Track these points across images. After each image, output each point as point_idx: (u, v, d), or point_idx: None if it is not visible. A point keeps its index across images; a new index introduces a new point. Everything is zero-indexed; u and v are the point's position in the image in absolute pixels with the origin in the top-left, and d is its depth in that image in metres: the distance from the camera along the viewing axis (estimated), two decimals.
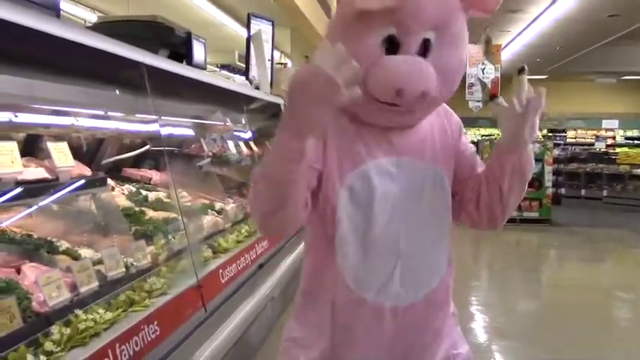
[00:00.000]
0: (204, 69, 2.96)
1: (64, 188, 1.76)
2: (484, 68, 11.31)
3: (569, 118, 20.38)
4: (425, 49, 1.24)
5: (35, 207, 1.90)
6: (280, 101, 4.45)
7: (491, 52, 11.21)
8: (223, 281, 2.23)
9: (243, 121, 3.85)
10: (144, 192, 2.84)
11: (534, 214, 9.84)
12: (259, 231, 1.09)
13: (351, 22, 1.23)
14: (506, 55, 13.43)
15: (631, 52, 14.69)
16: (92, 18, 7.31)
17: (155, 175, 3.29)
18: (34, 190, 1.62)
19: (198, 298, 1.96)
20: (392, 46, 1.22)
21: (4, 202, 1.63)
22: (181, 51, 2.76)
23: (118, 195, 2.68)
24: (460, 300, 5.17)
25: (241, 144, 3.80)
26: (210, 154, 3.35)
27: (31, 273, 1.52)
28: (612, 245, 8.71)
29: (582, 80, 20.02)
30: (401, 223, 1.30)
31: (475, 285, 6.28)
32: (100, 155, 2.92)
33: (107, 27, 2.41)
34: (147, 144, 3.19)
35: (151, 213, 2.48)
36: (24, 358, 1.19)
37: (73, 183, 1.78)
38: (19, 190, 1.58)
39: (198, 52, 2.82)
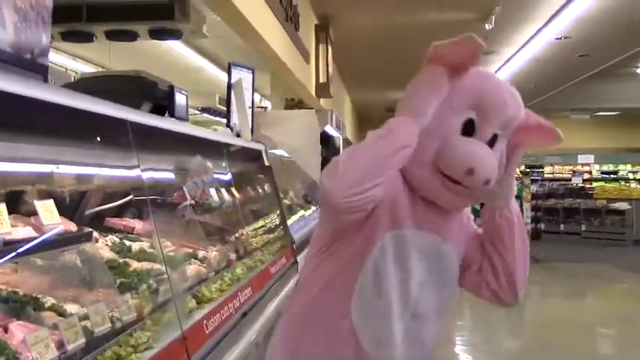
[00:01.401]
0: (187, 120, 3.03)
1: (50, 245, 1.80)
2: None
3: (545, 154, 20.74)
4: (492, 142, 1.40)
5: (19, 264, 1.92)
6: (261, 147, 4.52)
7: None
8: (208, 332, 2.26)
9: (225, 167, 3.90)
10: (127, 242, 2.86)
11: None
12: (339, 206, 1.16)
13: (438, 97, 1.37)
14: None
15: (604, 89, 15.09)
16: (73, 65, 7.37)
17: (138, 225, 3.30)
18: (19, 246, 1.65)
19: (184, 350, 1.98)
20: (468, 129, 1.38)
21: None
22: (164, 103, 2.83)
23: (102, 247, 2.69)
24: (445, 340, 5.24)
25: (223, 190, 3.85)
26: (193, 201, 3.39)
27: (19, 332, 1.53)
28: (593, 280, 8.83)
29: (557, 117, 20.40)
30: (420, 295, 1.41)
31: (459, 324, 6.32)
32: (83, 207, 2.95)
33: (91, 82, 2.48)
34: (130, 194, 3.22)
35: (134, 264, 2.50)
36: None
37: (59, 239, 1.81)
38: (5, 249, 1.61)
39: (180, 104, 2.89)
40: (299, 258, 4.41)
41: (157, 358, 1.79)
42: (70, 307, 1.88)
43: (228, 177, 3.91)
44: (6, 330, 1.57)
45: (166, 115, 2.87)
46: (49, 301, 1.89)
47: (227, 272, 3.02)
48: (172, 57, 8.33)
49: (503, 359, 5.14)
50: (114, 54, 7.32)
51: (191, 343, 2.05)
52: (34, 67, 1.63)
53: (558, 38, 9.37)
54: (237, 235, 3.67)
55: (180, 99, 2.87)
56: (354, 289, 1.39)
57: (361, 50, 10.62)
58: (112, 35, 3.59)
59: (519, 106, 1.47)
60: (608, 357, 5.32)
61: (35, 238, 1.69)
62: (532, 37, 9.38)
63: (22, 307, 1.73)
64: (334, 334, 1.42)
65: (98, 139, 2.30)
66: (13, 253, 1.63)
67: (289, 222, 4.78)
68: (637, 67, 12.44)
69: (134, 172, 2.65)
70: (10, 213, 1.70)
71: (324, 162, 9.84)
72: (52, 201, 1.84)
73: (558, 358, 5.02)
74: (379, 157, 1.28)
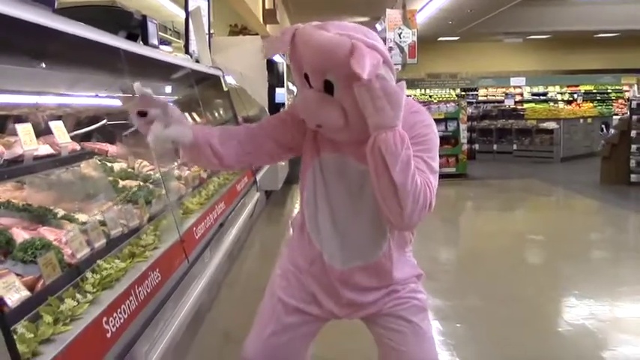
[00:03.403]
0: (158, 47, 3.21)
1: (65, 161, 2.03)
2: (401, 33, 11.80)
3: (480, 77, 21.34)
4: (330, 88, 1.51)
5: (32, 180, 2.15)
6: (219, 73, 4.71)
7: (407, 16, 11.69)
8: (197, 237, 2.56)
9: (189, 91, 4.09)
10: (108, 163, 3.08)
11: (452, 170, 10.54)
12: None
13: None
14: (421, 19, 13.97)
15: (536, 14, 15.59)
16: None
17: (111, 148, 3.51)
18: (42, 161, 1.88)
19: (182, 251, 2.29)
20: (308, 82, 1.55)
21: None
22: (137, 32, 3.00)
23: (85, 167, 2.92)
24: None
25: (186, 113, 4.06)
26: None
27: (49, 234, 1.79)
28: (523, 194, 9.49)
29: (492, 41, 21.01)
30: (341, 204, 1.72)
31: None
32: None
33: (70, 11, 2.61)
34: (103, 119, 3.40)
35: (121, 182, 2.75)
36: (73, 296, 1.50)
37: (72, 156, 2.05)
38: (29, 164, 1.84)
39: (152, 32, 3.07)
40: (258, 177, 4.72)
41: (164, 255, 2.09)
42: (80, 217, 2.14)
43: (191, 100, 4.12)
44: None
45: (139, 42, 3.05)
46: (60, 212, 2.14)
47: (201, 189, 3.30)
48: None
49: (440, 264, 5.64)
50: None
51: (187, 245, 2.35)
52: (47, 1, 1.81)
53: None
54: None
55: (151, 28, 3.04)
56: (303, 202, 1.73)
57: None
58: None
59: (331, 55, 1.46)
60: (536, 259, 5.90)
61: (55, 155, 1.92)
62: None
63: (44, 215, 1.97)
64: (301, 239, 1.79)
65: (86, 64, 2.49)
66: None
67: None
68: None
69: (108, 98, 2.87)
70: None
71: (270, 88, 10.00)
72: (61, 122, 2.05)
73: (491, 263, 5.54)
74: None
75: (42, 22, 1.70)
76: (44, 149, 1.92)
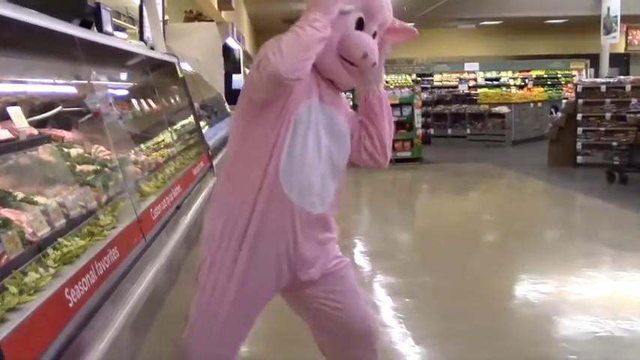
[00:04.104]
0: (112, 34, 3.27)
1: (22, 145, 2.11)
2: None
3: (435, 62, 21.67)
4: (373, 38, 1.93)
5: None
6: (174, 60, 4.77)
7: None
8: (154, 218, 2.66)
9: (143, 78, 4.15)
10: (65, 149, 3.14)
11: (407, 154, 10.79)
12: (287, 74, 1.70)
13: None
14: None
15: (487, 1, 15.92)
16: None
17: (67, 134, 3.56)
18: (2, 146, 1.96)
19: (139, 230, 2.39)
20: (358, 26, 1.89)
21: None
22: (91, 19, 3.06)
23: (43, 152, 2.98)
24: (344, 232, 5.89)
25: (142, 100, 4.12)
26: (119, 114, 3.66)
27: (10, 215, 1.88)
28: (476, 177, 9.80)
29: (446, 27, 21.34)
30: (326, 151, 1.89)
31: (357, 218, 7.02)
32: None
33: None
34: (58, 105, 3.44)
35: (78, 167, 2.82)
36: (36, 270, 1.60)
37: (28, 141, 2.12)
38: None
39: (106, 19, 3.13)
40: (214, 162, 4.82)
41: (122, 234, 2.19)
42: (39, 199, 2.22)
43: (146, 87, 4.17)
44: None
45: (93, 29, 3.11)
46: (20, 194, 2.21)
47: (158, 173, 3.39)
48: None
49: (398, 245, 5.84)
50: None
51: (144, 225, 2.46)
52: None
53: None
54: (159, 141, 4.00)
55: (105, 15, 3.11)
56: (283, 147, 1.83)
57: None
58: None
59: (391, 12, 1.99)
60: (488, 237, 6.16)
61: (14, 139, 2.00)
62: None
63: (4, 198, 2.04)
64: (257, 186, 1.85)
65: (40, 52, 2.55)
66: None
67: (203, 130, 5.12)
68: None
69: (63, 85, 2.93)
70: None
71: (227, 75, 10.02)
72: (19, 108, 2.12)
73: (444, 242, 5.77)
74: (310, 41, 1.74)
75: None
76: (3, 134, 2.00)
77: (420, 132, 11.15)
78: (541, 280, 4.42)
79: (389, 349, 3.22)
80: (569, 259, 5.10)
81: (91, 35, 2.89)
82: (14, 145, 2.11)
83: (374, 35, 1.94)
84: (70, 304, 1.59)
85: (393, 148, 9.63)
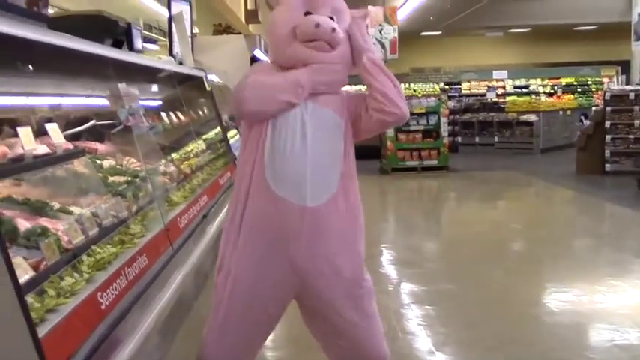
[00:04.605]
0: (142, 52, 3.43)
1: (59, 159, 2.26)
2: (382, 29, 12.07)
3: (463, 70, 21.62)
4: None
5: (30, 177, 2.37)
6: (202, 73, 4.93)
7: (388, 13, 11.95)
8: (181, 227, 2.80)
9: (173, 93, 4.32)
10: (98, 161, 3.30)
11: (433, 162, 10.81)
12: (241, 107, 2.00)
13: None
14: (402, 16, 14.23)
15: (515, 8, 15.90)
16: None
17: (100, 147, 3.73)
18: (40, 160, 2.11)
19: (167, 238, 2.52)
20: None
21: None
22: (122, 38, 3.23)
23: (78, 165, 3.14)
24: (371, 240, 5.98)
25: (171, 113, 4.28)
26: (149, 126, 3.82)
27: (48, 224, 2.02)
28: (504, 186, 9.77)
29: (473, 35, 21.32)
30: (311, 145, 2.00)
31: (383, 227, 7.09)
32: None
33: (63, 21, 2.83)
34: (92, 119, 3.62)
35: (111, 178, 2.97)
36: (72, 275, 1.73)
37: (65, 155, 2.27)
38: (29, 163, 2.07)
39: (137, 38, 3.29)
40: None
41: (150, 242, 2.33)
42: (74, 209, 2.36)
43: (175, 100, 4.34)
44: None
45: (124, 48, 3.27)
46: (56, 205, 2.37)
47: (186, 183, 3.53)
48: None
49: (423, 252, 5.90)
50: None
51: (171, 234, 2.59)
52: (41, 17, 2.03)
53: None
54: (187, 152, 4.15)
55: (136, 34, 3.27)
56: (265, 142, 1.99)
57: None
58: None
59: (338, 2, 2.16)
60: (513, 246, 6.17)
61: (52, 154, 2.15)
62: None
63: (42, 208, 2.19)
64: (248, 180, 2.02)
65: (75, 71, 2.72)
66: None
67: (230, 142, 5.28)
68: None
69: (96, 99, 3.09)
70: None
71: None
72: (56, 124, 2.28)
73: (469, 250, 5.80)
74: (279, 93, 1.99)
75: (37, 38, 1.92)
76: (42, 149, 2.15)
77: (446, 140, 11.15)
78: (564, 289, 4.44)
79: (409, 356, 3.30)
80: (594, 267, 5.09)
81: (122, 55, 3.05)
82: (52, 159, 2.26)
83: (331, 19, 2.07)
84: (102, 307, 1.72)
85: (420, 157, 9.64)
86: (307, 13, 2.06)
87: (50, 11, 2.52)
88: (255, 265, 2.00)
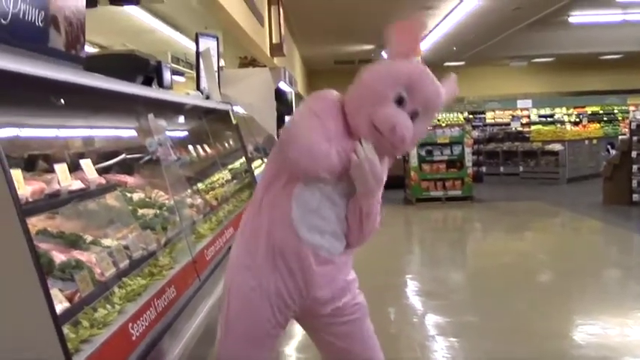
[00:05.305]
0: (171, 88, 3.56)
1: (92, 193, 2.35)
2: None
3: (487, 100, 21.62)
4: (414, 117, 1.93)
5: (64, 210, 2.46)
6: (228, 107, 5.05)
7: None
8: (208, 259, 2.86)
9: (199, 126, 4.43)
10: (128, 194, 3.40)
11: (457, 192, 10.79)
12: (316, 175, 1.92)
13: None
14: (426, 46, 14.35)
15: (539, 38, 15.89)
16: None
17: (130, 179, 3.84)
18: (75, 194, 2.20)
19: (194, 271, 2.59)
20: (399, 101, 1.91)
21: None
22: (153, 76, 3.36)
23: (109, 198, 3.24)
24: (395, 271, 5.99)
25: (198, 146, 4.39)
26: (176, 157, 3.93)
27: (81, 256, 2.10)
28: (530, 216, 9.70)
29: (497, 65, 21.34)
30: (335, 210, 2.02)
31: (407, 258, 7.09)
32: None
33: (98, 60, 2.97)
34: (122, 153, 3.73)
35: (140, 211, 3.06)
36: (104, 307, 1.80)
37: (98, 189, 2.37)
38: (64, 198, 2.16)
39: (166, 75, 3.42)
40: None
41: (179, 274, 2.39)
42: (106, 241, 2.45)
43: (201, 133, 4.45)
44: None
45: (154, 84, 3.40)
46: (89, 237, 2.45)
47: (212, 215, 3.61)
48: (126, 19, 8.60)
49: (448, 283, 5.89)
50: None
51: (198, 266, 2.66)
52: (78, 59, 2.14)
53: None
54: (214, 184, 4.24)
55: (165, 72, 3.39)
56: (292, 205, 1.96)
57: (311, 4, 11.03)
58: None
59: (437, 96, 1.99)
60: (539, 277, 6.12)
61: (86, 189, 2.24)
62: None
63: (76, 241, 2.28)
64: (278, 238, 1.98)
65: (108, 107, 2.83)
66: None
67: (255, 173, 5.36)
68: (568, 16, 13.23)
69: (126, 133, 3.21)
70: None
71: (279, 116, 10.36)
72: (89, 160, 2.38)
73: (493, 282, 5.78)
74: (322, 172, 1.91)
75: (74, 80, 2.03)
76: (77, 184, 2.24)
77: (470, 170, 11.15)
78: (591, 322, 4.40)
79: None
80: (621, 300, 5.04)
81: (151, 92, 3.17)
82: (85, 194, 2.36)
83: (414, 116, 1.94)
84: (133, 338, 1.79)
85: (444, 187, 9.64)
86: (400, 97, 1.92)
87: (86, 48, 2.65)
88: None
